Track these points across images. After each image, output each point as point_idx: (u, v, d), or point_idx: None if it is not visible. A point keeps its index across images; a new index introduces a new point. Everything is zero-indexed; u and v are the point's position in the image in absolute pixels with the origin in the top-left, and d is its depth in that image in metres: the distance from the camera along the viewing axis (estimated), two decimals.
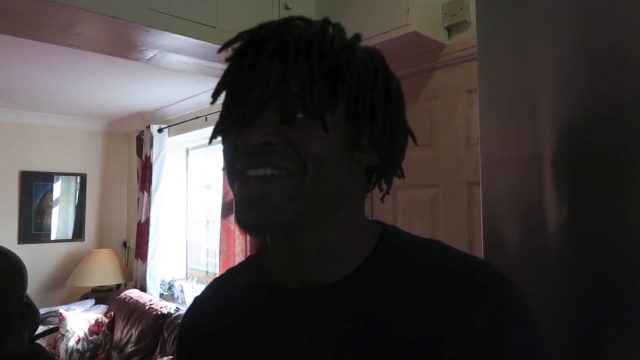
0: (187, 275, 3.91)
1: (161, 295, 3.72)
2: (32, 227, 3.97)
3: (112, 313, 3.51)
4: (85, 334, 3.31)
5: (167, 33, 1.48)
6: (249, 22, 0.55)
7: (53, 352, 3.19)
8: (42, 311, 3.39)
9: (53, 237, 4.08)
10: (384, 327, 0.49)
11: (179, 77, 2.89)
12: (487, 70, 1.00)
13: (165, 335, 3.00)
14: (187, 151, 4.07)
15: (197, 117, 3.33)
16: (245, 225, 0.52)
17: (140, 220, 3.86)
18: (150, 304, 3.27)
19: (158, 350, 3.00)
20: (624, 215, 0.80)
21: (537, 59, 0.93)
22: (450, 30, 1.70)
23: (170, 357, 2.77)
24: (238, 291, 0.62)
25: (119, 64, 2.63)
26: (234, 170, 0.52)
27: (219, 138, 0.55)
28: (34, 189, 3.98)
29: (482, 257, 0.96)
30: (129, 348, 3.17)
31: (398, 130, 0.57)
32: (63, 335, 3.23)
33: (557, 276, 0.87)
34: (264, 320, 0.56)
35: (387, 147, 0.56)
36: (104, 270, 3.86)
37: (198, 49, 1.63)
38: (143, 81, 3.06)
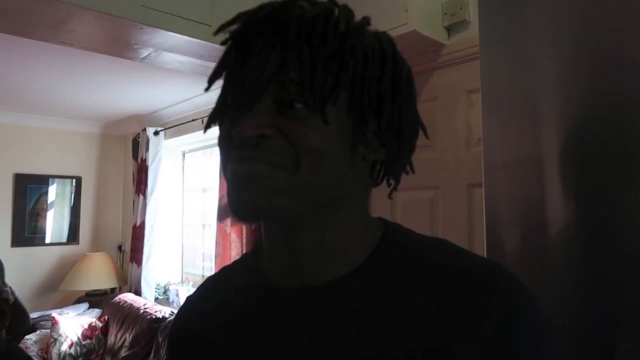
0: (182, 279, 3.88)
1: (156, 299, 3.69)
2: (26, 230, 3.94)
3: (106, 317, 3.47)
4: (78, 338, 3.27)
5: (161, 31, 1.46)
6: None
7: (45, 356, 3.15)
8: (34, 315, 3.37)
9: (48, 240, 4.05)
10: (385, 328, 0.47)
11: (175, 79, 2.87)
12: (489, 71, 1.00)
13: (160, 339, 2.96)
14: (184, 154, 4.05)
15: (193, 120, 3.30)
16: (238, 209, 0.48)
17: (136, 224, 3.83)
18: (144, 308, 3.23)
19: (152, 354, 2.97)
20: (630, 214, 0.79)
21: (538, 59, 0.93)
22: (449, 29, 1.69)
23: None
24: (234, 290, 0.59)
25: (115, 66, 2.61)
26: (227, 157, 0.50)
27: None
28: (28, 191, 3.95)
29: None
30: (123, 352, 3.13)
31: (407, 123, 0.53)
32: (56, 339, 3.19)
33: (561, 277, 0.87)
34: (261, 319, 0.53)
35: (395, 142, 0.53)
36: (98, 274, 3.83)
37: (193, 48, 1.61)
38: (139, 83, 3.04)
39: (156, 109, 3.72)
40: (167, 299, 3.67)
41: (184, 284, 3.72)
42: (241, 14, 0.49)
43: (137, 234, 3.78)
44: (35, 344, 3.23)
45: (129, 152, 4.24)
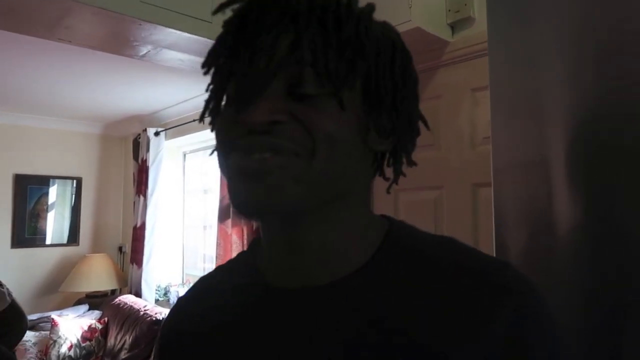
0: (183, 281, 3.86)
1: (157, 301, 3.66)
2: (26, 231, 3.92)
3: (106, 319, 3.44)
4: (77, 340, 3.25)
5: (160, 27, 1.43)
6: None
7: (44, 358, 3.13)
8: (34, 317, 3.35)
9: (48, 242, 4.04)
10: (387, 329, 0.44)
11: (175, 78, 2.84)
12: (497, 71, 0.99)
13: None
14: (184, 155, 4.03)
15: (194, 120, 3.28)
16: (242, 203, 0.45)
17: (136, 225, 3.80)
18: (145, 310, 3.21)
19: (152, 356, 2.94)
20: (638, 215, 0.78)
21: (546, 59, 0.92)
22: (454, 27, 1.66)
23: None
24: (230, 290, 0.57)
25: (116, 66, 2.59)
26: (229, 146, 0.46)
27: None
28: (28, 192, 3.94)
29: None
30: (123, 355, 3.10)
31: (415, 110, 0.53)
32: (55, 341, 3.17)
33: (568, 278, 0.86)
34: (260, 320, 0.51)
35: (405, 132, 0.51)
36: (98, 275, 3.81)
37: (193, 45, 1.58)
38: (140, 83, 3.02)
39: (157, 109, 3.70)
40: (168, 300, 3.65)
41: (185, 285, 3.70)
42: None
43: (138, 235, 3.76)
44: (35, 345, 3.20)
45: (129, 153, 4.22)
